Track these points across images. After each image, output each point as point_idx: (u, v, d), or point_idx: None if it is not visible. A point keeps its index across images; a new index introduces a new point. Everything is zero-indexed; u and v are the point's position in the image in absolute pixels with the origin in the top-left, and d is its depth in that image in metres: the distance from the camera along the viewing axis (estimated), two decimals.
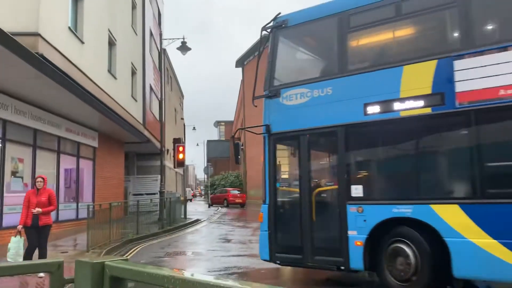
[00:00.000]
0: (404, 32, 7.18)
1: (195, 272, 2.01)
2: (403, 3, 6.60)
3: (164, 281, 1.56)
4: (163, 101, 23.35)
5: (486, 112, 5.70)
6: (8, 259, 7.27)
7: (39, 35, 10.15)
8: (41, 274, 7.48)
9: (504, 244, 5.38)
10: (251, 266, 9.14)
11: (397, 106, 6.33)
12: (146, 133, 22.71)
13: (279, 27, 7.63)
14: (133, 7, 21.85)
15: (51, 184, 14.68)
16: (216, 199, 38.90)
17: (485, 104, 5.67)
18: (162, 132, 21.84)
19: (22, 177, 12.52)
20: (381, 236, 6.34)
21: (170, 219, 18.04)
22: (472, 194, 5.78)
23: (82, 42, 13.47)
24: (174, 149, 19.99)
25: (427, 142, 6.50)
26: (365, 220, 6.42)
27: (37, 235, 7.68)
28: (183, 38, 20.27)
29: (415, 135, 6.48)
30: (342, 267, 6.60)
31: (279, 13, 7.83)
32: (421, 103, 6.13)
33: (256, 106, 7.80)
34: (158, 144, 24.26)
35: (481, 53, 5.80)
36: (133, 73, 21.38)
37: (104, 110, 14.79)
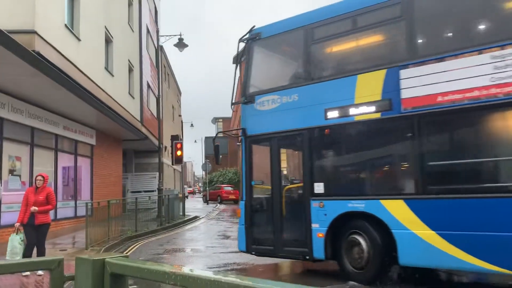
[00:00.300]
0: (358, 43, 7.79)
1: (194, 268, 2.01)
2: (357, 17, 7.26)
3: (165, 277, 1.56)
4: (160, 98, 23.32)
5: (427, 117, 6.31)
6: (7, 257, 7.26)
7: (35, 32, 10.10)
8: (40, 272, 7.49)
9: (441, 235, 6.03)
10: (250, 262, 9.16)
11: (352, 111, 7.00)
12: (143, 130, 22.67)
13: (254, 39, 8.30)
14: (130, 4, 21.75)
15: (49, 182, 14.64)
16: (210, 195, 39.73)
17: (426, 110, 6.28)
18: (160, 129, 21.83)
19: (19, 175, 12.49)
20: (340, 228, 7.02)
21: (169, 216, 18.05)
22: (414, 190, 6.40)
23: (79, 40, 13.42)
24: (172, 146, 20.00)
25: (377, 144, 7.14)
26: (325, 214, 7.12)
27: (34, 233, 7.66)
28: (180, 35, 20.25)
29: (367, 138, 7.17)
30: (307, 257, 7.30)
31: (254, 26, 8.46)
32: (372, 108, 6.79)
33: (234, 111, 8.35)
34: (156, 141, 24.26)
35: (422, 63, 6.39)
36: (130, 70, 21.31)
37: (102, 108, 14.75)
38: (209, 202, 38.67)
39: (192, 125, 51.87)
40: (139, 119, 22.25)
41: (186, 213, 22.09)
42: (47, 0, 11.19)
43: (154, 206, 21.12)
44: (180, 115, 49.10)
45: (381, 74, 6.73)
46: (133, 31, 22.15)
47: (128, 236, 13.31)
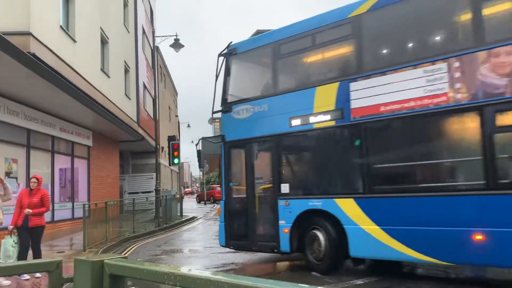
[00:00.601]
0: (316, 58, 8.60)
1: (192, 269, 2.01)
2: (315, 35, 8.10)
3: (164, 277, 1.56)
4: (157, 99, 23.28)
5: (372, 125, 7.14)
6: (1, 261, 7.20)
7: (30, 34, 10.07)
8: (38, 274, 7.47)
9: (384, 229, 6.83)
10: (248, 262, 9.17)
11: (311, 119, 7.82)
12: (140, 131, 22.63)
13: (231, 54, 9.21)
14: (125, 4, 21.72)
15: (46, 184, 14.60)
16: (203, 196, 40.50)
17: (371, 118, 7.09)
18: (157, 130, 21.80)
19: (16, 178, 12.45)
20: (303, 224, 7.87)
21: (166, 217, 18.03)
22: (362, 190, 7.20)
23: (74, 41, 13.39)
24: (169, 147, 19.93)
25: (332, 149, 7.92)
26: (290, 212, 7.98)
27: (28, 236, 7.59)
28: (176, 35, 20.20)
29: (323, 143, 8.03)
30: (275, 250, 8.18)
31: (231, 42, 9.40)
32: (328, 117, 7.62)
33: (214, 119, 9.00)
34: (152, 142, 24.21)
35: (368, 76, 7.19)
36: (126, 71, 21.27)
37: (98, 109, 14.72)
38: (206, 202, 39.20)
39: (189, 125, 51.79)
40: (135, 120, 22.21)
41: (183, 214, 22.06)
42: (42, 1, 11.16)
43: (151, 207, 21.08)
44: (176, 116, 49.03)
45: (334, 87, 7.57)
46: (128, 32, 22.11)
47: (126, 237, 13.29)
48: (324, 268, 7.51)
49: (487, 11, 6.38)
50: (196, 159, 11.32)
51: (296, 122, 8.00)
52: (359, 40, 7.50)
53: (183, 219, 19.99)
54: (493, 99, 6.01)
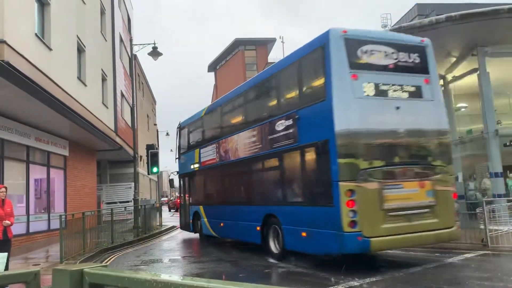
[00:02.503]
0: (195, 135, 15.91)
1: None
2: (195, 123, 15.78)
3: (146, 285, 1.54)
4: (135, 107, 23.05)
5: (206, 170, 14.37)
6: None
7: (4, 42, 9.85)
8: None
9: (208, 221, 14.15)
10: (229, 271, 9.12)
11: (195, 166, 15.15)
12: (118, 140, 22.34)
13: (179, 127, 17.11)
14: (102, 12, 21.50)
15: (21, 195, 14.26)
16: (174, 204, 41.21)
17: (204, 167, 14.40)
18: (135, 139, 21.55)
19: None
20: (195, 218, 15.32)
21: (145, 227, 17.81)
22: (204, 202, 14.64)
23: (50, 49, 13.17)
24: (147, 156, 19.72)
25: (199, 181, 15.29)
26: (191, 211, 15.54)
27: (1, 249, 7.38)
28: (154, 43, 20.08)
29: (198, 178, 15.38)
30: (190, 231, 15.84)
31: (180, 121, 17.26)
32: (197, 165, 14.93)
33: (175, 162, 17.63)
34: (131, 151, 23.93)
35: (203, 147, 14.47)
36: (104, 79, 21.00)
37: (74, 118, 14.48)
38: (173, 210, 40.13)
39: (167, 134, 51.23)
40: (113, 128, 21.92)
41: (163, 223, 21.82)
42: (16, 9, 10.95)
43: (130, 217, 20.77)
44: (155, 124, 48.64)
45: (198, 150, 14.86)
46: (106, 40, 21.88)
47: (104, 248, 13.07)
48: (200, 235, 15.11)
49: (224, 124, 13.34)
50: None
51: (193, 166, 15.34)
52: (203, 129, 15.03)
53: (163, 229, 19.77)
54: (223, 162, 12.87)
